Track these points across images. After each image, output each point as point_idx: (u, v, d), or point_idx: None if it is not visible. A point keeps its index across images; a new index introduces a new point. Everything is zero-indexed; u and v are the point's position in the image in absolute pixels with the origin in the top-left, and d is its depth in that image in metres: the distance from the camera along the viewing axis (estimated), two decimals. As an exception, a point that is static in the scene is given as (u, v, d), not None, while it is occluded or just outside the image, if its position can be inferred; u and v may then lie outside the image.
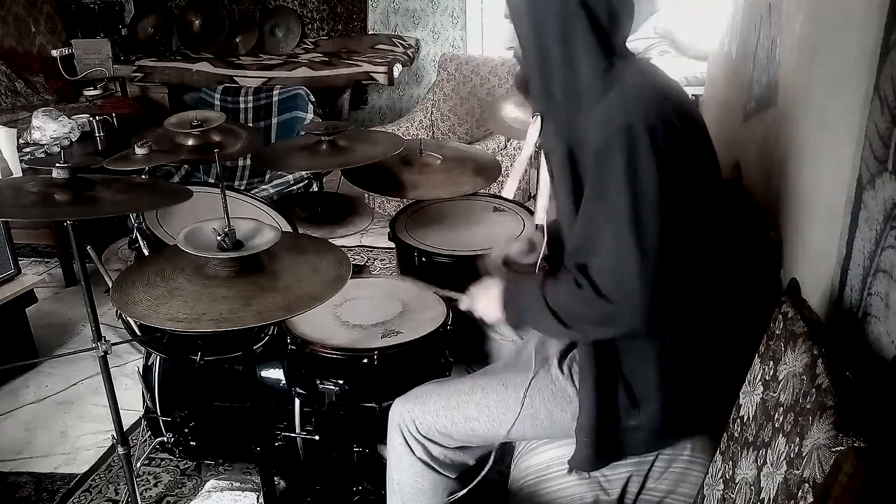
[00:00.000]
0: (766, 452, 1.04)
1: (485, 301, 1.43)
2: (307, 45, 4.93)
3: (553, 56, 1.25)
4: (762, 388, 1.14)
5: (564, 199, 1.30)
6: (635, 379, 1.34)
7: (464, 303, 1.51)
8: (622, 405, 1.35)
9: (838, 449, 0.85)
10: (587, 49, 1.23)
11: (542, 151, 1.36)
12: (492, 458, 1.49)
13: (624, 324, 1.21)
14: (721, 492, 1.19)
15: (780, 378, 1.08)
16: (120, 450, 1.67)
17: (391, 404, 1.54)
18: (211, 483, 1.96)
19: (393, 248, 2.22)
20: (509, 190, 1.45)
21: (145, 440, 2.06)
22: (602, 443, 1.36)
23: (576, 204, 1.27)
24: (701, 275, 1.29)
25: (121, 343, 1.87)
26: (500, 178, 2.22)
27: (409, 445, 1.48)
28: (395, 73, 4.42)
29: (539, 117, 1.36)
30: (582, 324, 1.26)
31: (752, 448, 1.11)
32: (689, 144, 1.23)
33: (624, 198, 1.16)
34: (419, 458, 1.47)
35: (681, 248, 1.20)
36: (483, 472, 1.48)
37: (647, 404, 1.34)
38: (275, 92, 3.90)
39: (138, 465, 2.12)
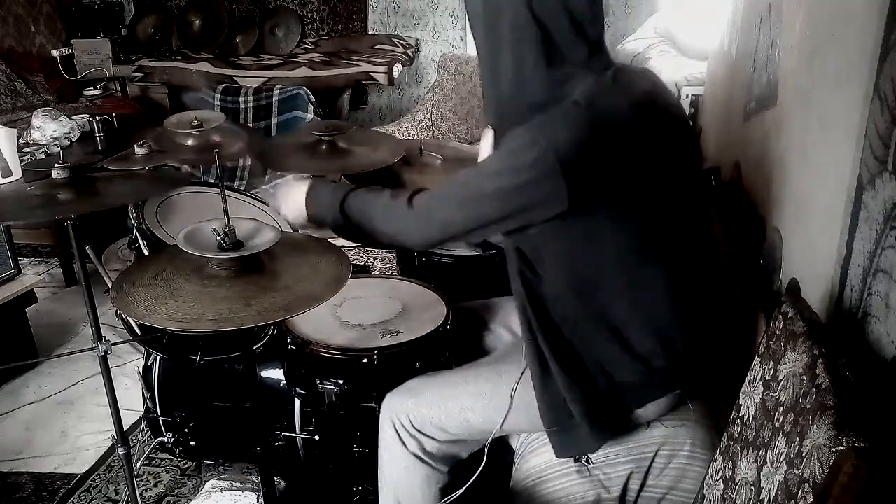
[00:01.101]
0: (766, 452, 1.04)
1: (289, 198, 1.52)
2: (307, 45, 4.93)
3: (503, 69, 1.24)
4: (762, 388, 1.14)
5: None
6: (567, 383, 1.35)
7: (271, 199, 1.61)
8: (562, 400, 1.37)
9: (838, 449, 0.85)
10: (536, 64, 1.22)
11: None
12: (486, 452, 1.48)
13: (408, 239, 1.44)
14: (721, 492, 1.19)
15: (780, 378, 1.08)
16: (120, 450, 1.67)
17: (390, 403, 1.54)
18: (211, 483, 1.96)
19: (393, 248, 2.22)
20: None
21: (145, 440, 2.06)
22: (560, 435, 1.38)
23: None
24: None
25: (121, 343, 1.87)
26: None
27: (401, 440, 1.47)
28: (395, 73, 4.42)
29: (491, 129, 1.36)
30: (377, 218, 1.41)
31: (752, 448, 1.11)
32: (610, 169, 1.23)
33: (479, 172, 1.30)
34: (412, 453, 1.47)
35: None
36: (480, 469, 1.48)
37: (576, 405, 1.35)
38: (275, 92, 3.91)
39: (138, 465, 2.12)
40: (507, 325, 1.72)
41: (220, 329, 1.20)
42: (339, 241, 1.49)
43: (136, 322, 1.84)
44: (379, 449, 1.53)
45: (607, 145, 1.21)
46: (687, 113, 2.72)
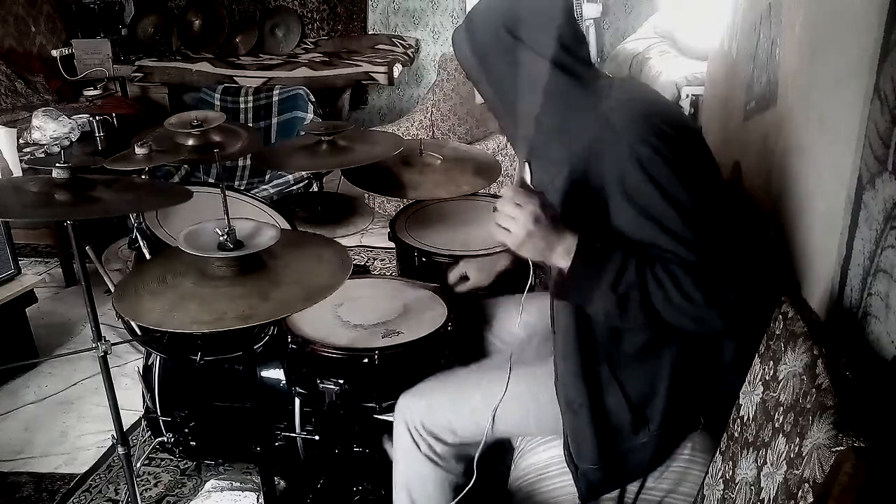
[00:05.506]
0: (766, 452, 1.04)
1: (555, 248, 1.21)
2: (307, 45, 4.94)
3: (517, 100, 1.25)
4: (762, 388, 1.14)
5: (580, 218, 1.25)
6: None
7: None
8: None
9: (838, 449, 0.85)
10: (554, 82, 1.23)
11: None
12: (481, 447, 1.49)
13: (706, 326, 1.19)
14: (721, 492, 1.19)
15: (780, 378, 1.08)
16: (120, 450, 1.67)
17: (392, 404, 1.54)
18: (211, 483, 1.96)
19: (393, 248, 2.22)
20: None
21: (145, 440, 2.06)
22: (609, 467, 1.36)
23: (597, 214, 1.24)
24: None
25: (121, 343, 1.87)
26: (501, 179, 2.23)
27: (415, 441, 1.48)
28: (395, 73, 4.43)
29: (527, 163, 1.35)
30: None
31: (752, 448, 1.11)
32: (689, 150, 1.23)
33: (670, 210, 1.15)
34: (425, 454, 1.48)
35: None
36: (471, 483, 1.48)
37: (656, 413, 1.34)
38: (275, 92, 3.90)
39: (138, 465, 2.12)
40: (509, 326, 1.72)
41: (248, 325, 1.21)
42: (339, 241, 1.49)
43: (135, 322, 1.84)
44: (394, 449, 1.54)
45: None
46: (686, 113, 2.73)
